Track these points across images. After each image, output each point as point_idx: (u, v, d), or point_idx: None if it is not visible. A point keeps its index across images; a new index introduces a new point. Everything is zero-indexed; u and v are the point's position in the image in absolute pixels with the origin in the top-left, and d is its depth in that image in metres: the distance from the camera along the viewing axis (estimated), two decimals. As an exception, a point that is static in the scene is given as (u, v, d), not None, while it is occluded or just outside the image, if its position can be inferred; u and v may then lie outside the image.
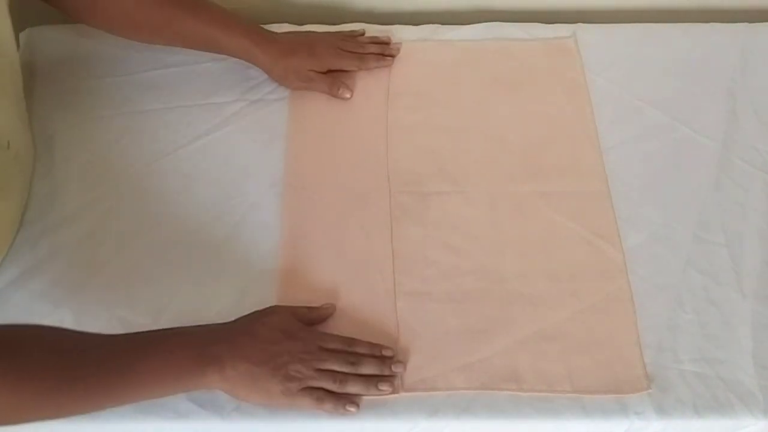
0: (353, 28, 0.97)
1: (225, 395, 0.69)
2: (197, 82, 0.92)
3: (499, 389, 0.71)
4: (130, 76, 0.92)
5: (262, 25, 0.97)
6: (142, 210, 0.82)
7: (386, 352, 0.72)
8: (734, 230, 0.82)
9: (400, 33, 0.97)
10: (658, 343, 0.75)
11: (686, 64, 0.95)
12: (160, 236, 0.80)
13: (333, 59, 0.91)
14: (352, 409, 0.69)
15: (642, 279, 0.78)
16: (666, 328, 0.76)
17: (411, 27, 0.98)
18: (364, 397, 0.70)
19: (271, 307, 0.73)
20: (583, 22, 0.99)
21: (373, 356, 0.71)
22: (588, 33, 0.97)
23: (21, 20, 0.88)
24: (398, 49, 0.95)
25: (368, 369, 0.70)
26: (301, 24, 0.98)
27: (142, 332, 0.68)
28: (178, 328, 0.69)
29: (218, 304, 0.76)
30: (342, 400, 0.69)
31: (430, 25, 0.99)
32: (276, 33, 0.91)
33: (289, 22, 0.98)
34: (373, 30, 0.97)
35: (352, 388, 0.69)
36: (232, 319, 0.72)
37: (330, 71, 0.91)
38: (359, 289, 0.77)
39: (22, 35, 0.94)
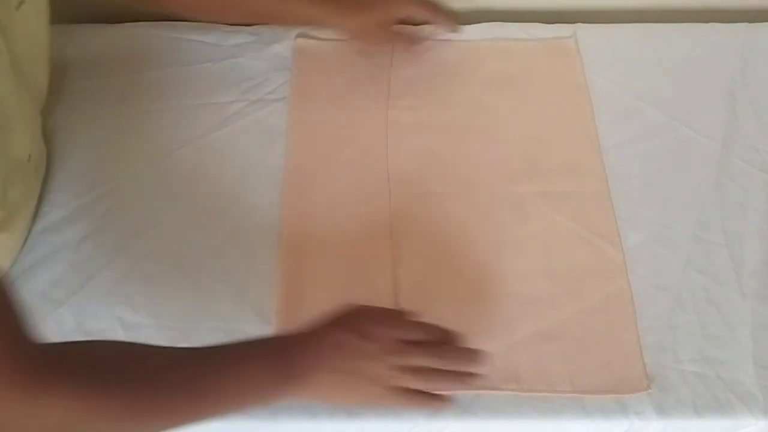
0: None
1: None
2: (197, 82, 0.92)
3: (499, 389, 0.71)
4: (130, 76, 0.92)
5: (263, 25, 0.98)
6: (142, 210, 0.82)
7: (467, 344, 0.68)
8: (734, 230, 0.82)
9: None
10: (658, 343, 0.75)
11: (686, 64, 0.95)
12: (160, 236, 0.80)
13: (408, 7, 0.90)
14: (443, 405, 0.65)
15: (642, 279, 0.78)
16: (666, 328, 0.76)
17: (411, 27, 0.98)
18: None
19: (341, 308, 0.68)
20: (583, 22, 0.99)
21: (456, 346, 0.67)
22: (588, 33, 0.97)
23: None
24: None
25: (454, 363, 0.66)
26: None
27: (217, 347, 0.64)
28: (252, 340, 0.66)
29: (218, 304, 0.76)
30: (430, 398, 0.65)
31: (431, 25, 0.99)
32: None
33: (289, 22, 0.98)
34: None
35: (439, 385, 0.65)
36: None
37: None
38: (359, 289, 0.77)
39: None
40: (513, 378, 0.72)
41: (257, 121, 0.89)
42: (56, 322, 0.74)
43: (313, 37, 0.97)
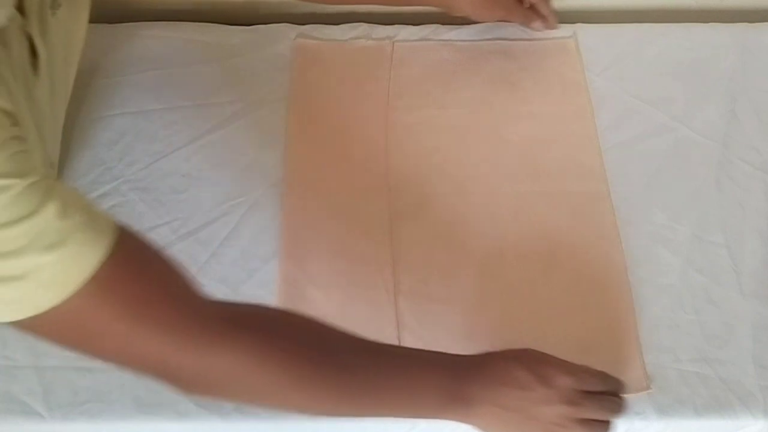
0: (354, 29, 0.97)
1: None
2: (197, 82, 0.92)
3: (499, 389, 0.71)
4: (130, 76, 0.92)
5: (263, 25, 0.98)
6: (142, 210, 0.82)
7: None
8: (734, 230, 0.82)
9: (400, 33, 0.97)
10: (658, 343, 0.75)
11: (686, 64, 0.95)
12: (159, 236, 0.80)
13: None
14: None
15: (642, 279, 0.78)
16: (666, 328, 0.76)
17: (411, 27, 0.98)
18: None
19: (524, 349, 0.68)
20: (583, 22, 0.99)
21: (620, 397, 0.66)
22: (588, 33, 0.97)
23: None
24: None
25: (618, 415, 0.65)
26: (302, 24, 0.98)
27: (400, 347, 0.65)
28: (432, 352, 0.66)
29: (218, 304, 0.76)
30: None
31: (430, 25, 0.99)
32: None
33: (289, 22, 0.98)
34: (373, 30, 0.97)
35: None
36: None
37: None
38: (359, 289, 0.77)
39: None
40: (513, 378, 0.72)
41: (257, 121, 0.89)
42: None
43: (313, 37, 0.97)
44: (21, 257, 0.46)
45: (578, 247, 0.80)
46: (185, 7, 1.00)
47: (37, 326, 0.50)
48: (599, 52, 0.96)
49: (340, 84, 0.93)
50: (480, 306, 0.77)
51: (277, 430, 0.71)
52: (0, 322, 0.49)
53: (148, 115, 0.89)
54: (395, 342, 0.74)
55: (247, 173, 0.85)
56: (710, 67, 0.95)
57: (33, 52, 0.63)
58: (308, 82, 0.92)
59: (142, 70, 0.93)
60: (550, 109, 0.91)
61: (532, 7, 0.94)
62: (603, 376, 0.66)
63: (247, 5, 1.01)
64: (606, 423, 0.65)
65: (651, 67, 0.95)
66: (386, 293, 0.77)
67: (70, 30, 0.72)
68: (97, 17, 0.97)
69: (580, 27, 0.98)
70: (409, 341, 0.74)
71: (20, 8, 0.59)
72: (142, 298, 0.52)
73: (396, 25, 0.98)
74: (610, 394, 0.65)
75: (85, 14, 0.77)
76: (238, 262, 0.79)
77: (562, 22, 0.98)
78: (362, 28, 0.98)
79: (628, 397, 0.70)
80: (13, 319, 0.49)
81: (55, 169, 0.80)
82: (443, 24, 0.99)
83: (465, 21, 0.98)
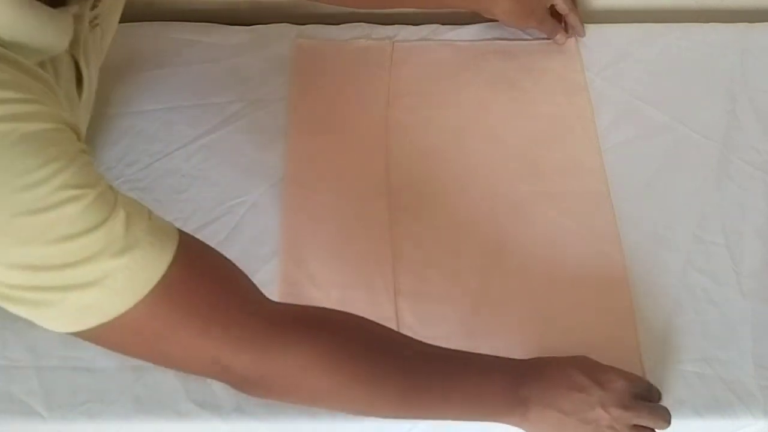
0: (354, 29, 0.97)
1: (224, 395, 0.69)
2: (197, 82, 0.92)
3: (499, 389, 0.71)
4: (130, 76, 0.92)
5: (263, 25, 0.98)
6: (142, 210, 0.82)
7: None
8: (734, 230, 0.82)
9: (400, 33, 0.97)
10: (658, 343, 0.75)
11: (686, 64, 0.95)
12: (160, 236, 0.80)
13: None
14: None
15: (642, 279, 0.78)
16: (666, 328, 0.76)
17: (411, 27, 0.98)
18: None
19: (578, 355, 0.69)
20: (583, 22, 0.99)
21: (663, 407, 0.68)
22: (588, 33, 0.97)
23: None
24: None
25: (670, 422, 0.67)
26: (302, 24, 0.98)
27: (461, 352, 0.65)
28: (493, 357, 0.66)
29: (218, 304, 0.76)
30: None
31: (430, 25, 0.99)
32: None
33: (289, 22, 0.98)
34: (373, 30, 0.97)
35: None
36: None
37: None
38: (359, 289, 0.77)
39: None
40: (513, 378, 0.72)
41: (257, 121, 0.89)
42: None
43: (313, 37, 0.97)
44: (94, 263, 0.47)
45: (578, 247, 0.80)
46: (185, 7, 1.00)
47: (101, 334, 0.50)
48: (599, 52, 0.96)
49: (340, 84, 0.93)
50: (480, 306, 0.77)
51: (277, 430, 0.71)
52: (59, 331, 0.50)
53: (148, 115, 0.89)
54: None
55: (247, 173, 0.85)
56: (710, 67, 0.95)
57: (78, 75, 0.64)
58: (308, 82, 0.92)
59: (142, 70, 0.93)
60: (550, 109, 0.91)
61: (561, 18, 0.95)
62: (650, 385, 0.69)
63: (247, 5, 1.01)
64: (652, 431, 0.66)
65: (651, 67, 0.95)
66: (386, 293, 0.77)
67: (103, 45, 0.72)
68: (97, 17, 0.97)
69: (580, 27, 0.98)
70: (409, 341, 0.74)
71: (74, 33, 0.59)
72: (208, 301, 0.53)
73: (396, 25, 0.98)
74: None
75: (115, 25, 0.76)
76: (238, 262, 0.78)
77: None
78: (362, 28, 0.98)
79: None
80: (82, 328, 0.50)
81: None
82: (443, 24, 0.99)
83: (466, 21, 0.99)
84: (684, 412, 0.71)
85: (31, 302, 0.48)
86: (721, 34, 0.98)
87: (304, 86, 0.92)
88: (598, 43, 0.97)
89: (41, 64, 0.54)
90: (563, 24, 0.96)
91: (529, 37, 0.97)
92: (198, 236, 0.80)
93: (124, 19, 0.97)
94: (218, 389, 0.70)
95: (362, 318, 0.63)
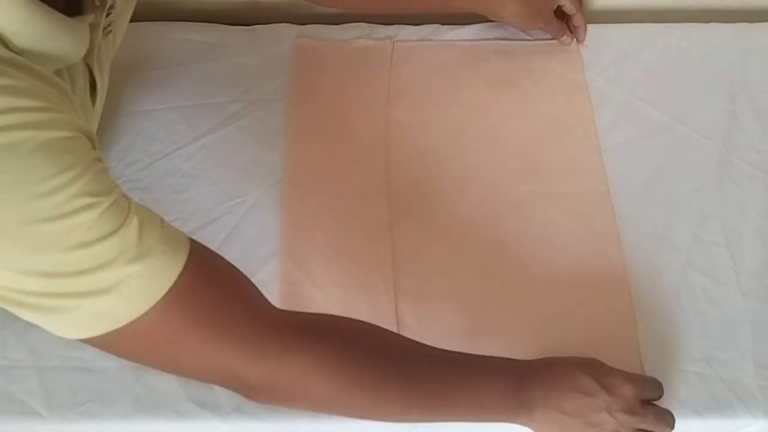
0: (354, 29, 0.97)
1: (224, 395, 0.69)
2: (197, 82, 0.92)
3: (499, 389, 0.71)
4: (130, 76, 0.92)
5: (263, 25, 0.98)
6: (142, 210, 0.82)
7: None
8: (734, 230, 0.82)
9: (400, 33, 0.97)
10: (658, 343, 0.75)
11: (686, 64, 0.95)
12: (160, 236, 0.80)
13: None
14: None
15: (642, 279, 0.78)
16: (666, 328, 0.76)
17: (411, 27, 0.98)
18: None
19: (587, 357, 0.69)
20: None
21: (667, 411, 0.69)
22: (588, 33, 0.97)
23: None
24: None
25: (674, 426, 0.67)
26: (302, 24, 0.98)
27: (463, 354, 0.65)
28: (498, 359, 0.66)
29: (218, 304, 0.76)
30: None
31: (430, 25, 0.99)
32: None
33: (289, 22, 0.98)
34: (373, 30, 0.97)
35: None
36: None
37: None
38: (359, 289, 0.77)
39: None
40: (513, 378, 0.72)
41: (257, 121, 0.89)
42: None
43: (313, 37, 0.97)
44: (109, 271, 0.48)
45: (578, 247, 0.80)
46: (185, 7, 1.00)
47: (113, 341, 0.51)
48: (599, 52, 0.96)
49: (340, 84, 0.93)
50: (480, 306, 0.77)
51: (277, 430, 0.71)
52: (67, 337, 0.51)
53: (148, 115, 0.89)
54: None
55: (247, 173, 0.85)
56: (710, 67, 0.95)
57: (92, 83, 0.64)
58: (308, 82, 0.92)
59: (143, 70, 0.93)
60: (550, 109, 0.91)
61: (567, 19, 0.95)
62: (658, 385, 0.68)
63: (247, 5, 1.01)
64: None
65: (651, 67, 0.95)
66: (386, 293, 0.77)
67: (113, 50, 0.72)
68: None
69: (580, 27, 0.98)
70: (409, 341, 0.74)
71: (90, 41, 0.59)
72: (217, 308, 0.54)
73: (396, 25, 0.98)
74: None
75: (125, 28, 0.76)
76: (238, 262, 0.78)
77: (563, 22, 0.99)
78: (362, 28, 0.98)
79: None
80: (95, 335, 0.50)
81: None
82: (443, 24, 0.99)
83: (466, 21, 0.99)
84: (684, 412, 0.71)
85: (45, 309, 0.49)
86: (721, 34, 0.98)
87: (304, 86, 0.92)
88: (599, 43, 0.96)
89: (58, 72, 0.54)
90: (567, 24, 0.96)
91: (529, 38, 0.97)
92: (198, 236, 0.80)
93: (124, 19, 0.97)
94: (218, 389, 0.70)
95: (365, 323, 0.63)
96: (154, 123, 0.89)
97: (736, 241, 0.81)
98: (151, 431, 0.71)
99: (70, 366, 0.72)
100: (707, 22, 1.00)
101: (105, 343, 0.51)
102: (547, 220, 0.82)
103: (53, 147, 0.47)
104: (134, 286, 0.49)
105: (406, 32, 0.98)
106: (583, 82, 0.93)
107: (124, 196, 0.51)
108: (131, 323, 0.50)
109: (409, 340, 0.65)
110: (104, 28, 0.63)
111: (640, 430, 0.66)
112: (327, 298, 0.76)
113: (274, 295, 0.76)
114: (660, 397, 0.69)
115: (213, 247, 0.78)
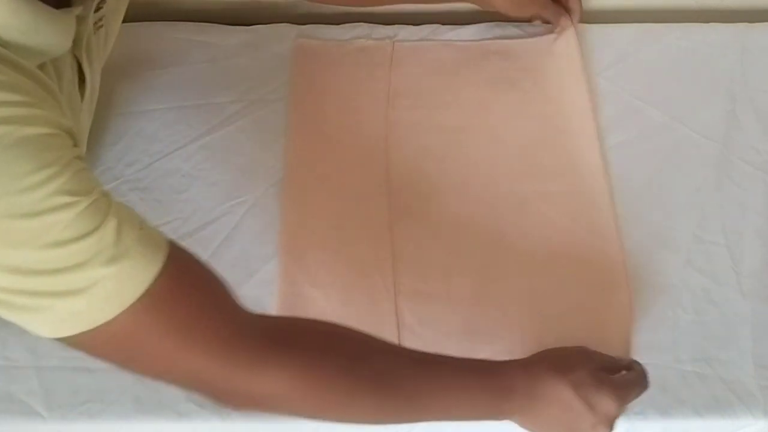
0: (354, 28, 0.97)
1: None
2: (197, 82, 0.92)
3: (500, 389, 0.71)
4: (130, 76, 0.92)
5: (263, 25, 0.98)
6: (142, 210, 0.81)
7: None
8: (734, 230, 0.82)
9: (400, 33, 0.97)
10: (658, 343, 0.75)
11: (686, 64, 0.95)
12: (160, 236, 0.80)
13: None
14: None
15: (642, 279, 0.78)
16: (666, 328, 0.76)
17: (411, 27, 0.98)
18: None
19: (576, 348, 0.69)
20: (583, 22, 0.99)
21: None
22: (588, 33, 0.97)
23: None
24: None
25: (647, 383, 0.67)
26: (302, 24, 0.98)
27: (448, 357, 0.64)
28: (480, 361, 0.65)
29: (218, 304, 0.76)
30: None
31: (431, 25, 0.99)
32: None
33: (289, 22, 0.98)
34: (373, 30, 0.97)
35: None
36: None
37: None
38: (359, 289, 0.77)
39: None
40: (513, 378, 0.72)
41: (257, 121, 0.89)
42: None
43: (313, 37, 0.97)
44: (84, 271, 0.47)
45: (578, 247, 0.80)
46: (185, 7, 1.00)
47: (86, 342, 0.51)
48: (599, 52, 0.96)
49: (340, 84, 0.93)
50: (480, 306, 0.77)
51: (277, 430, 0.71)
52: (48, 336, 0.51)
53: (148, 115, 0.89)
54: (395, 341, 0.74)
55: (247, 173, 0.85)
56: (710, 67, 0.95)
57: (81, 77, 0.63)
58: (308, 82, 0.92)
59: (143, 70, 0.93)
60: (550, 109, 0.91)
61: (563, 3, 0.94)
62: (644, 382, 0.67)
63: (247, 5, 1.01)
64: None
65: (651, 67, 0.95)
66: (386, 293, 0.77)
67: (105, 46, 0.72)
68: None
69: (580, 27, 0.98)
70: (409, 341, 0.74)
71: (77, 34, 0.59)
72: (192, 313, 0.53)
73: (396, 25, 0.98)
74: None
75: (118, 26, 0.75)
76: (238, 262, 0.79)
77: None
78: (362, 28, 0.98)
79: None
80: (68, 335, 0.50)
81: None
82: (443, 24, 0.99)
83: (466, 21, 0.99)
84: (684, 412, 0.71)
85: (19, 307, 0.48)
86: (721, 34, 0.98)
87: (304, 86, 0.92)
88: (599, 43, 0.96)
89: (41, 66, 0.53)
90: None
91: (529, 37, 0.97)
92: (198, 236, 0.81)
93: (124, 19, 0.97)
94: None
95: (342, 327, 0.62)
96: (154, 123, 0.89)
97: (736, 241, 0.81)
98: (151, 431, 0.71)
99: (70, 366, 0.72)
100: (707, 22, 1.00)
101: (79, 343, 0.51)
102: (547, 220, 0.82)
103: (32, 143, 0.46)
104: (109, 287, 0.48)
105: (406, 32, 0.98)
106: (584, 82, 0.93)
107: (106, 195, 0.50)
108: (105, 325, 0.49)
109: (388, 343, 0.64)
110: (95, 23, 0.63)
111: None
112: (327, 298, 0.76)
113: (274, 295, 0.76)
114: (645, 390, 0.67)
115: (213, 246, 0.80)
